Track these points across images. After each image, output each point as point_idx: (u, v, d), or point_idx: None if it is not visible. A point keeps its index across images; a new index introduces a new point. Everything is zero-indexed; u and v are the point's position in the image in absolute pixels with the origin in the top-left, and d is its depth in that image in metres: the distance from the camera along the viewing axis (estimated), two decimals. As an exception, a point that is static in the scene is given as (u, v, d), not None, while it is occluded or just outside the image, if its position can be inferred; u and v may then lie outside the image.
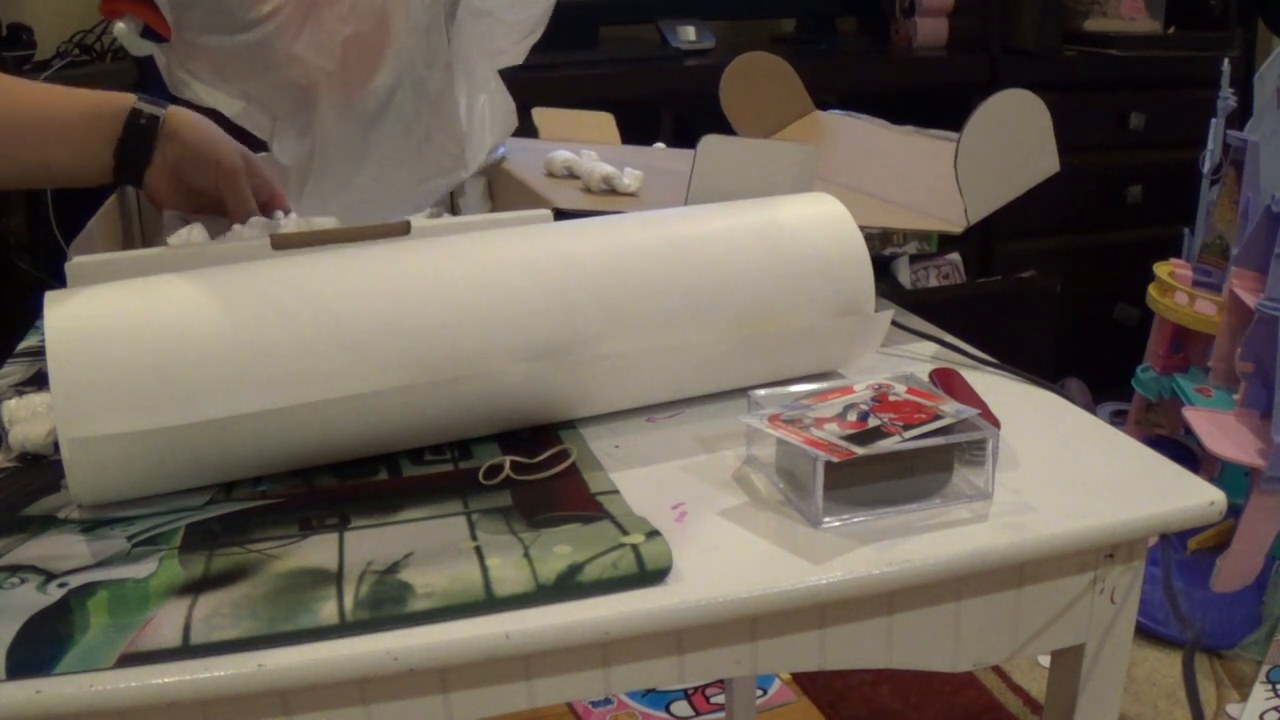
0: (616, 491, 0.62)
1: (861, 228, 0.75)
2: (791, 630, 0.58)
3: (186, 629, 0.50)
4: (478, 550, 0.56)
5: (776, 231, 0.72)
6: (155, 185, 0.87)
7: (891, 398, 0.64)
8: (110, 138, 0.83)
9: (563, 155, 0.95)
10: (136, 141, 0.84)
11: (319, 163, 0.87)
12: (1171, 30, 2.45)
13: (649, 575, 0.54)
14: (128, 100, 0.84)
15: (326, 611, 0.51)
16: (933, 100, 2.12)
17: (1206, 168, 1.90)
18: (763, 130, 1.15)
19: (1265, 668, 1.68)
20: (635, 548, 0.55)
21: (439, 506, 0.61)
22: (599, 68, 1.98)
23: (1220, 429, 1.62)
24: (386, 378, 0.62)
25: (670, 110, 2.04)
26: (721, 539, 0.58)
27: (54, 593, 0.53)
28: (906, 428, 0.61)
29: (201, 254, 0.76)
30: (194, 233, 0.82)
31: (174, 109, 0.86)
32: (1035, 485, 0.63)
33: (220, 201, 0.87)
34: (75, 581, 0.54)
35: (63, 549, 0.57)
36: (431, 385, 0.63)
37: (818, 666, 0.59)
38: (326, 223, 0.83)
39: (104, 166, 0.84)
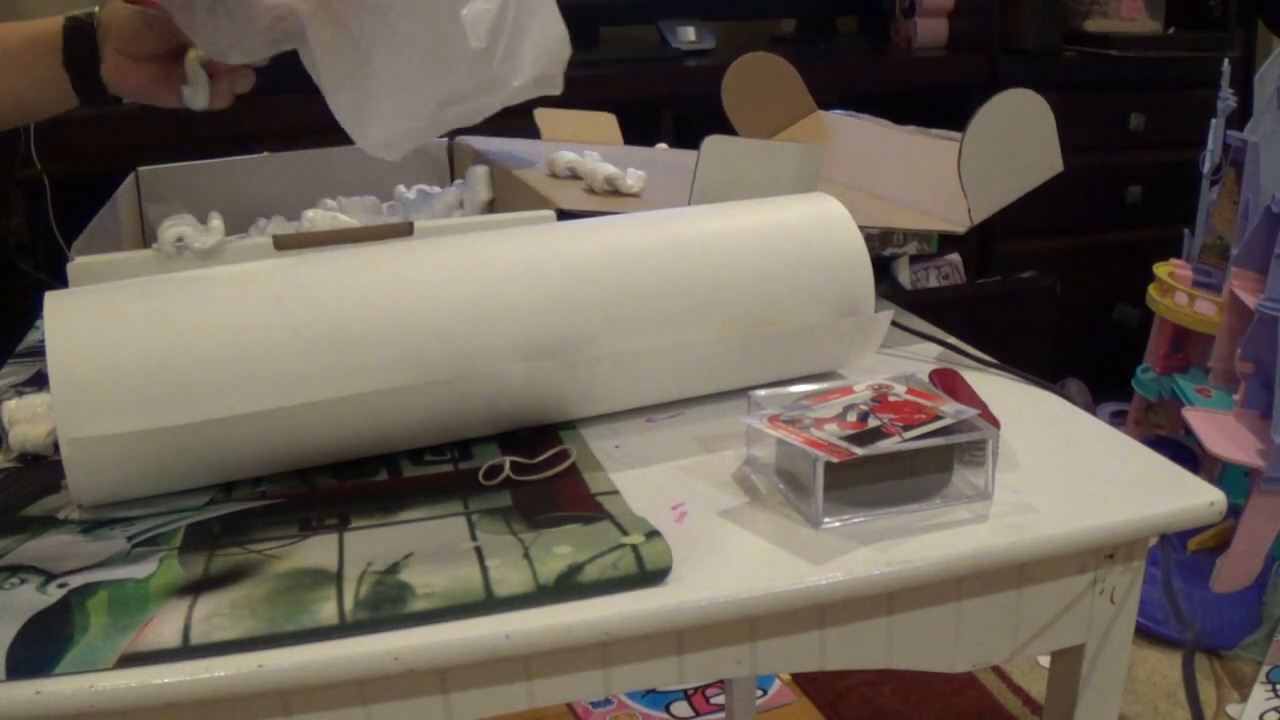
0: (616, 492, 0.62)
1: (864, 228, 0.75)
2: (791, 630, 0.58)
3: (186, 629, 0.50)
4: (478, 550, 0.56)
5: (776, 231, 0.72)
6: (118, 77, 0.85)
7: (891, 398, 0.64)
8: (56, 53, 0.83)
9: (566, 156, 0.95)
10: (80, 45, 0.83)
11: (327, 90, 0.84)
12: (1171, 31, 2.45)
13: (649, 575, 0.54)
14: (60, 18, 0.84)
15: (326, 612, 0.51)
16: (933, 100, 2.12)
17: (1206, 168, 1.90)
18: (765, 131, 1.15)
19: (1265, 668, 1.68)
20: (635, 548, 0.55)
21: (439, 507, 0.61)
22: (599, 68, 1.98)
23: (1220, 429, 1.62)
24: (386, 378, 0.62)
25: (671, 110, 2.04)
26: (721, 539, 0.58)
27: (54, 593, 0.53)
28: (906, 428, 0.61)
29: (202, 254, 0.76)
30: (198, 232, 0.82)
31: (107, 3, 0.85)
32: (1035, 485, 0.63)
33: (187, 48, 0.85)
34: (75, 582, 0.54)
35: (63, 549, 0.57)
36: (431, 385, 0.63)
37: (818, 667, 0.59)
38: (336, 221, 0.83)
39: (61, 86, 0.84)
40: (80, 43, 0.83)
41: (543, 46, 0.86)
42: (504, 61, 0.83)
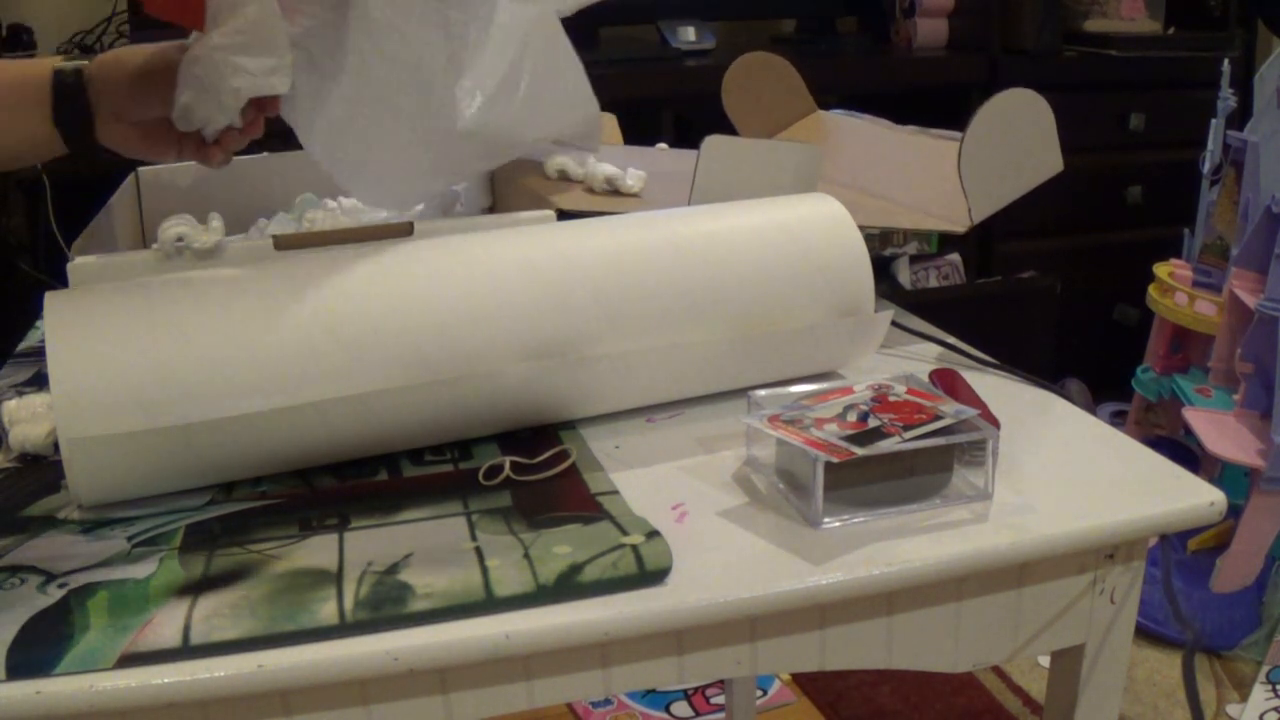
0: (616, 492, 0.62)
1: (865, 228, 0.75)
2: (791, 630, 0.58)
3: (186, 629, 0.50)
4: (478, 550, 0.56)
5: (776, 232, 0.72)
6: (119, 139, 0.80)
7: (891, 398, 0.64)
8: (43, 105, 0.77)
9: (559, 159, 0.95)
10: (71, 105, 0.77)
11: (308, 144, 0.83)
12: (1171, 30, 2.45)
13: (649, 575, 0.54)
14: (47, 65, 0.78)
15: (326, 612, 0.51)
16: (933, 100, 2.12)
17: (1206, 168, 1.90)
18: (765, 130, 1.15)
19: (1265, 668, 1.68)
20: (635, 548, 0.55)
21: (439, 507, 0.61)
22: (599, 68, 1.97)
23: (1220, 429, 1.62)
24: (386, 378, 0.62)
25: (671, 110, 2.04)
26: (721, 539, 0.58)
27: (54, 593, 0.53)
28: (906, 428, 0.61)
29: (202, 254, 0.76)
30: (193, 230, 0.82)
31: (97, 58, 0.79)
32: (1035, 485, 0.63)
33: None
34: (75, 582, 0.54)
35: (63, 549, 0.57)
36: (431, 385, 0.63)
37: (818, 667, 0.59)
38: (336, 221, 0.83)
39: (48, 138, 0.78)
40: (71, 103, 0.77)
41: (566, 110, 0.86)
42: (517, 126, 0.82)
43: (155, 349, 0.59)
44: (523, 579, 0.53)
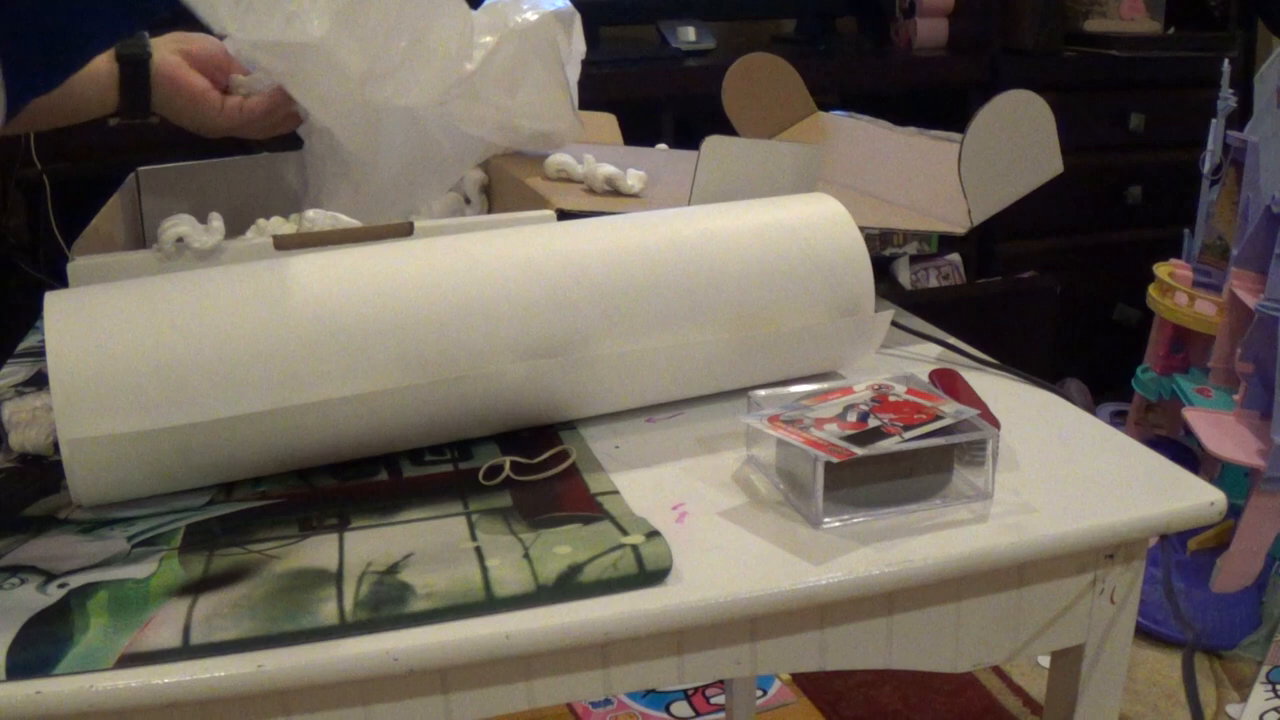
0: (616, 492, 0.62)
1: (864, 228, 0.75)
2: (791, 631, 0.58)
3: (186, 629, 0.50)
4: (478, 551, 0.56)
5: (776, 231, 0.72)
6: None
7: (891, 398, 0.64)
8: (112, 76, 0.90)
9: (559, 159, 0.95)
10: (134, 88, 0.91)
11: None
12: (1171, 31, 2.45)
13: (649, 575, 0.54)
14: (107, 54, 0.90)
15: (326, 612, 0.51)
16: (933, 100, 2.12)
17: (1206, 168, 1.90)
18: (765, 131, 1.15)
19: (1265, 668, 1.68)
20: (635, 548, 0.55)
21: (439, 507, 0.61)
22: (599, 68, 1.98)
23: (1220, 429, 1.62)
24: (386, 378, 0.62)
25: (671, 111, 2.04)
26: (721, 539, 0.58)
27: (54, 593, 0.53)
28: (906, 428, 0.61)
29: (202, 254, 0.76)
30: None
31: (157, 59, 0.91)
32: (1035, 485, 0.63)
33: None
34: (75, 582, 0.54)
35: (63, 549, 0.57)
36: (431, 385, 0.63)
37: (818, 667, 0.59)
38: (336, 221, 0.83)
39: (110, 102, 0.91)
40: (136, 86, 0.91)
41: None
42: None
43: (155, 349, 0.59)
44: (523, 579, 0.53)
